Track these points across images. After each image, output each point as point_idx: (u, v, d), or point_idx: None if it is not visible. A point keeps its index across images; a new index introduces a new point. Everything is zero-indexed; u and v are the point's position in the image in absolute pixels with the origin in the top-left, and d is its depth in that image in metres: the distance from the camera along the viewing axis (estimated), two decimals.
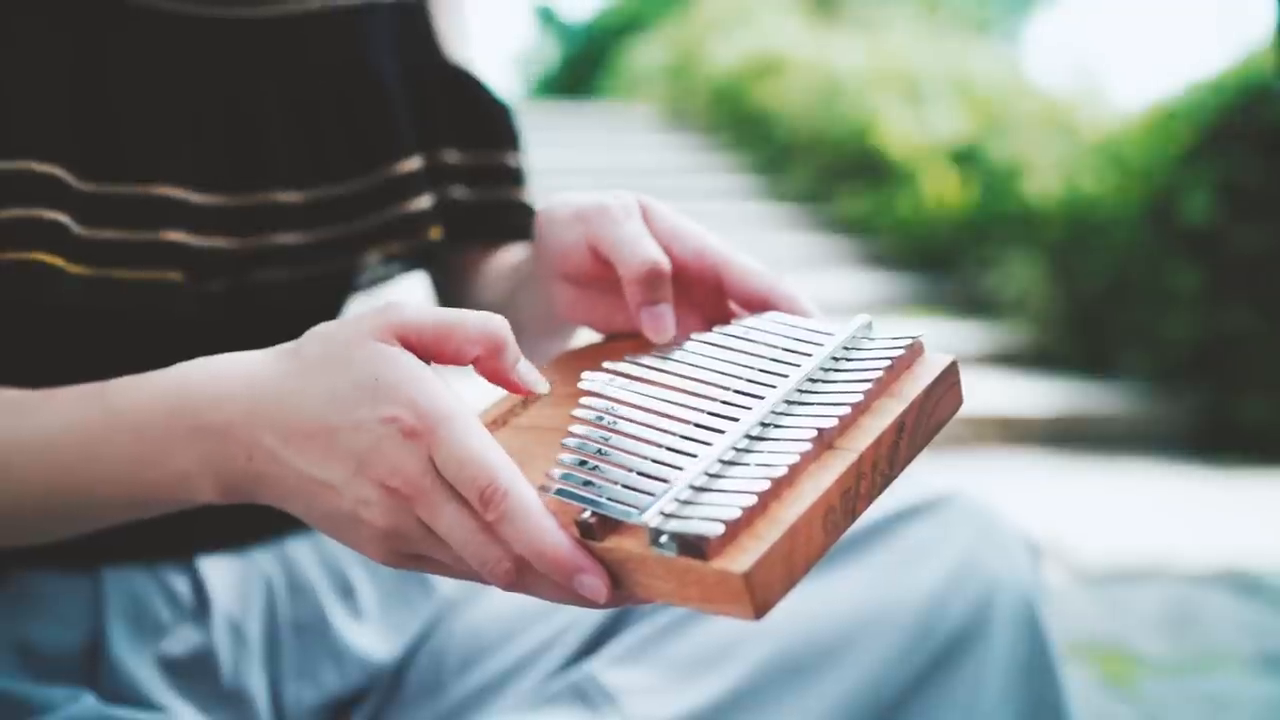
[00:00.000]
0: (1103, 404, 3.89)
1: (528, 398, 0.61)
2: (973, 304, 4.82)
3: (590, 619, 0.76)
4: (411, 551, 0.52)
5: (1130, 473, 3.45)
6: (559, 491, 0.50)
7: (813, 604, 0.71)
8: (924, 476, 0.76)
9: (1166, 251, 3.95)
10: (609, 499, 0.49)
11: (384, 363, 0.50)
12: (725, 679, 0.69)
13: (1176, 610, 2.20)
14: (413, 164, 0.77)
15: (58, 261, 0.63)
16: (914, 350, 0.55)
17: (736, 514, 0.46)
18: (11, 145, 0.63)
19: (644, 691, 0.69)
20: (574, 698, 0.70)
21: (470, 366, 0.54)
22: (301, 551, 0.79)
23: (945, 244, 5.10)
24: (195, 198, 0.69)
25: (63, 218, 0.64)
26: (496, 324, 0.53)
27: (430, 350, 0.52)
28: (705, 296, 0.63)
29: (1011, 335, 4.47)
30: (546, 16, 16.51)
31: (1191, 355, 3.90)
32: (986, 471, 3.36)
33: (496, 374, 0.53)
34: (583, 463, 0.51)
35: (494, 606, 0.81)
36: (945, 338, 4.32)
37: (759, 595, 0.45)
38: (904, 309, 4.79)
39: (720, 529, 0.45)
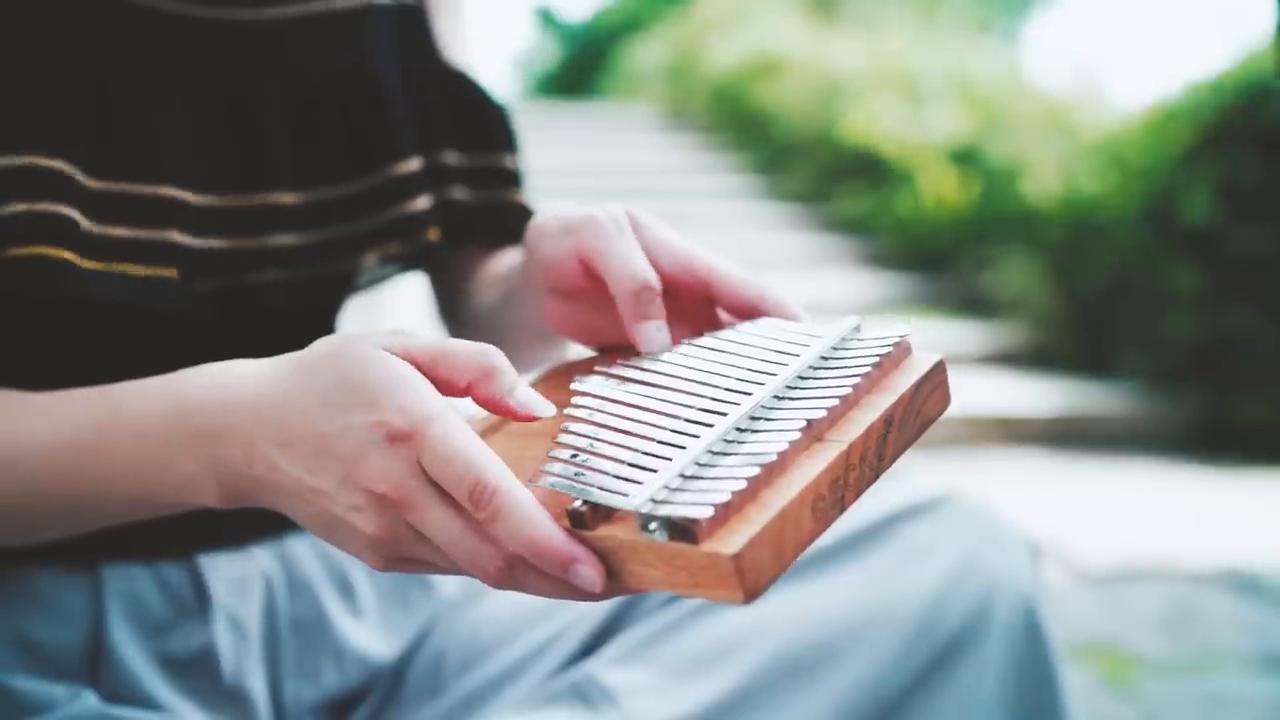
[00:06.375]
0: (1103, 404, 3.89)
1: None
2: (972, 304, 4.82)
3: (590, 619, 0.77)
4: (404, 555, 0.52)
5: (1130, 473, 3.45)
6: (551, 482, 0.50)
7: (813, 604, 0.71)
8: (924, 477, 0.76)
9: (1166, 252, 3.95)
10: (600, 488, 0.49)
11: (372, 366, 0.51)
12: (725, 679, 0.69)
13: (1176, 610, 2.20)
14: (411, 165, 0.77)
15: (68, 256, 0.64)
16: (901, 349, 0.56)
17: (726, 497, 0.47)
18: (20, 140, 0.63)
19: (644, 691, 0.70)
20: (574, 698, 0.71)
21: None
22: (301, 549, 0.79)
23: (945, 244, 5.10)
24: (194, 198, 0.69)
25: (73, 213, 0.64)
26: (489, 354, 0.53)
27: (426, 376, 0.53)
28: (695, 307, 0.64)
29: (1011, 335, 4.47)
30: (546, 17, 16.51)
31: (1191, 355, 3.90)
32: (986, 471, 3.36)
33: (491, 402, 0.53)
34: (575, 455, 0.52)
35: (494, 607, 0.81)
36: (945, 338, 4.32)
37: (749, 578, 0.45)
38: (903, 309, 4.79)
39: (710, 511, 0.46)
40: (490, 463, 0.49)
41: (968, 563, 0.72)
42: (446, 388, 0.53)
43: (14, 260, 0.63)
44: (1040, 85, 5.75)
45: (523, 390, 0.53)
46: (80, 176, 0.65)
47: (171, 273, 0.68)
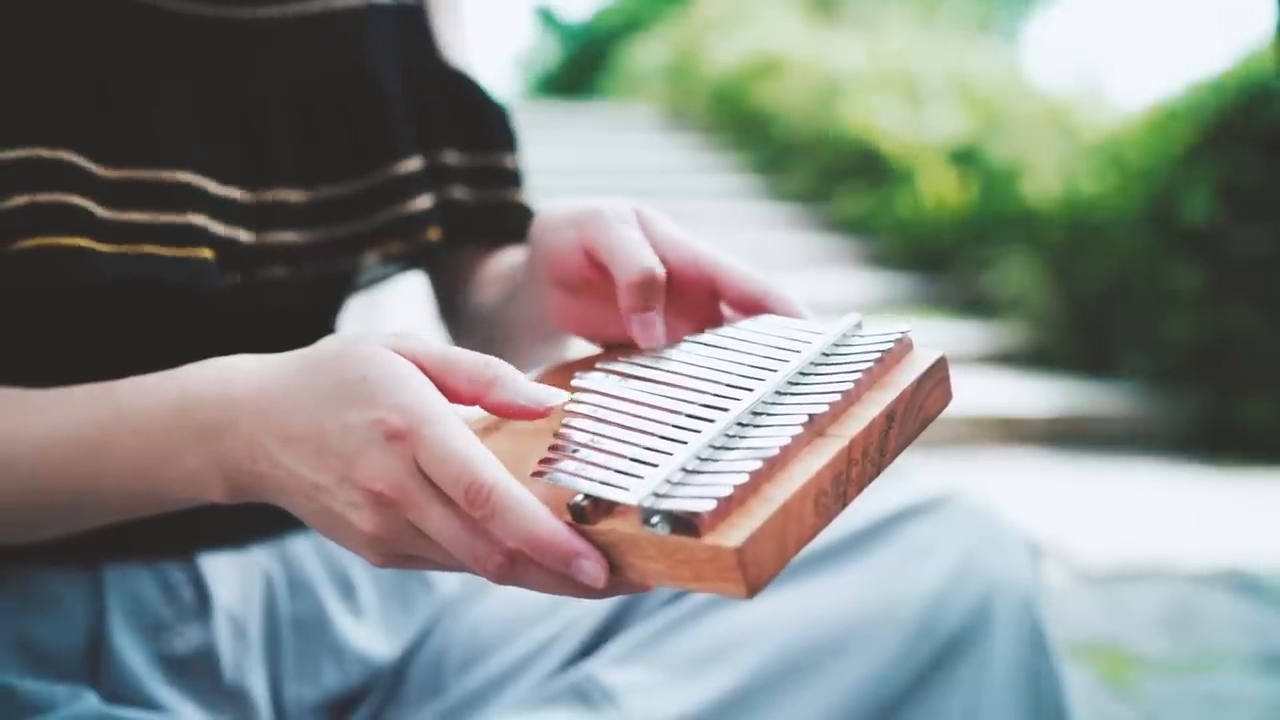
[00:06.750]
0: (1103, 404, 3.89)
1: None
2: (972, 304, 4.82)
3: (590, 619, 0.77)
4: (403, 552, 0.52)
5: (1130, 473, 3.45)
6: (553, 477, 0.50)
7: (813, 604, 0.71)
8: (924, 476, 0.76)
9: (1166, 252, 3.95)
10: (601, 482, 0.49)
11: (373, 364, 0.51)
12: (725, 678, 0.69)
13: (1176, 610, 2.19)
14: (412, 164, 0.77)
15: (83, 243, 0.63)
16: (903, 345, 0.56)
17: (729, 491, 0.46)
18: (20, 133, 0.63)
19: (644, 691, 0.70)
20: (574, 697, 0.70)
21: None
22: (302, 549, 0.79)
23: (945, 244, 5.10)
24: (214, 188, 0.69)
25: (85, 202, 0.64)
26: (491, 364, 0.53)
27: (431, 380, 0.52)
28: (699, 303, 0.64)
29: (1011, 335, 4.47)
30: (546, 16, 16.51)
31: (1191, 355, 3.90)
32: (986, 471, 3.36)
33: (501, 407, 0.53)
34: (576, 450, 0.52)
35: (494, 606, 0.81)
36: (945, 338, 4.32)
37: (751, 572, 0.45)
38: (904, 309, 4.79)
39: (712, 505, 0.46)
40: (486, 463, 0.48)
41: (968, 563, 0.72)
42: (451, 396, 0.53)
43: (22, 253, 0.62)
44: (1040, 85, 5.75)
45: (528, 387, 0.53)
46: (90, 166, 0.65)
47: (207, 254, 0.68)
